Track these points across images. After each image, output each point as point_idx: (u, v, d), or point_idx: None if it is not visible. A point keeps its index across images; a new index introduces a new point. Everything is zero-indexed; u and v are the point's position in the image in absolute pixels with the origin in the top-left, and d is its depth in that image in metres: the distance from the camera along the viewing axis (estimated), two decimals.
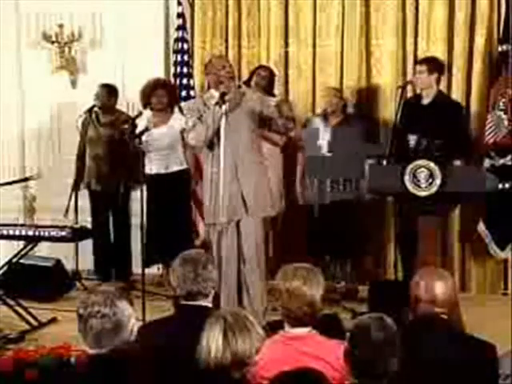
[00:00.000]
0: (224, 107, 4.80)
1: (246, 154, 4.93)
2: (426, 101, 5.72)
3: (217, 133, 4.86)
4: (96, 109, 6.40)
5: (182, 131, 5.89)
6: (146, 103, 6.08)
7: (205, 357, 2.52)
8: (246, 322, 2.56)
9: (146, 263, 5.82)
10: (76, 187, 6.40)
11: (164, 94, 6.06)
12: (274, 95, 6.17)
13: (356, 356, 2.60)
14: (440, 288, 3.13)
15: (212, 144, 4.91)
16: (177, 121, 6.04)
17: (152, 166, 6.10)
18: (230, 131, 4.84)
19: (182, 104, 5.78)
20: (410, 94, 6.10)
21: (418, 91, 5.80)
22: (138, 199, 5.71)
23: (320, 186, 5.93)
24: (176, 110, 6.21)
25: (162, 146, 6.05)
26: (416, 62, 5.93)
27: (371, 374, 2.58)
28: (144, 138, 5.74)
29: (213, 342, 2.52)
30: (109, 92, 6.38)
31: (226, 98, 4.80)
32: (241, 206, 4.89)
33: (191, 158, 6.14)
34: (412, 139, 5.41)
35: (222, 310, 2.68)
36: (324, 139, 5.99)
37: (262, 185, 4.99)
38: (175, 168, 6.11)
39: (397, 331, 2.62)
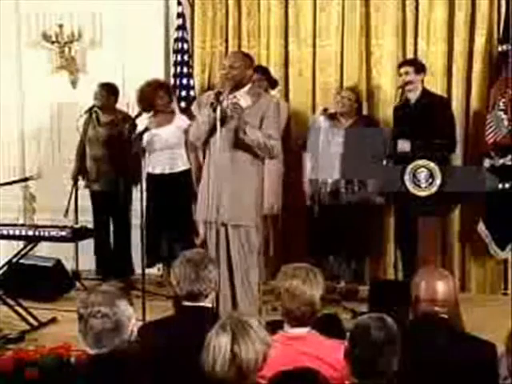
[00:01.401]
0: (219, 108, 4.74)
1: (239, 158, 4.83)
2: (412, 101, 5.77)
3: (213, 133, 4.84)
4: (96, 109, 6.40)
5: (187, 131, 5.94)
6: (148, 105, 6.05)
7: (209, 370, 2.49)
8: (251, 332, 2.51)
9: (147, 264, 5.83)
10: (75, 186, 6.39)
11: (164, 95, 6.08)
12: (275, 84, 6.17)
13: (356, 355, 2.60)
14: (441, 288, 3.13)
15: (209, 144, 4.90)
16: (181, 120, 6.07)
17: (155, 166, 6.11)
18: (228, 134, 4.80)
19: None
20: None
21: (407, 92, 5.80)
22: (138, 199, 5.72)
23: (334, 186, 5.91)
24: (176, 110, 6.23)
25: (166, 145, 6.06)
26: (400, 64, 5.93)
27: (371, 373, 2.58)
28: (146, 137, 5.75)
29: (219, 356, 2.47)
30: (107, 91, 6.37)
31: (221, 98, 4.78)
32: (217, 210, 4.84)
33: (194, 158, 6.15)
34: (405, 145, 5.40)
35: (229, 318, 2.58)
36: (333, 139, 5.96)
37: (243, 195, 4.83)
38: (178, 168, 6.12)
39: (397, 331, 2.62)
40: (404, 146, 5.49)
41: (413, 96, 5.77)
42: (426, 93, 5.82)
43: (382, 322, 2.63)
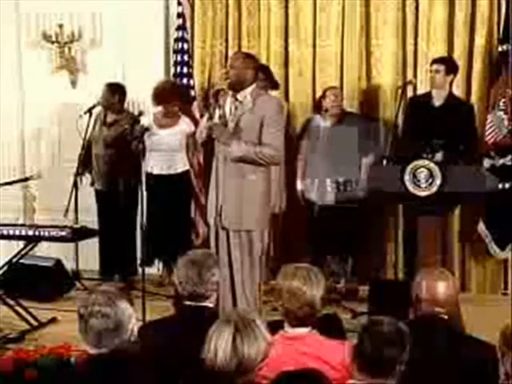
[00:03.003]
0: (218, 112, 4.73)
1: (236, 162, 4.77)
2: (437, 102, 5.70)
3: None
4: (97, 108, 6.39)
5: (189, 134, 5.99)
6: (159, 104, 6.09)
7: (210, 361, 2.50)
8: (254, 328, 2.53)
9: (146, 263, 5.84)
10: (76, 186, 6.38)
11: (178, 101, 6.11)
12: (277, 85, 6.14)
13: (365, 350, 2.59)
14: (441, 288, 3.13)
15: (215, 146, 4.88)
16: (185, 124, 6.09)
17: (154, 166, 6.12)
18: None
19: None
20: (409, 94, 6.12)
21: (421, 90, 5.78)
22: (138, 199, 5.72)
23: (320, 185, 5.92)
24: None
25: (165, 147, 6.07)
26: (434, 60, 5.80)
27: (379, 370, 2.58)
28: (147, 137, 5.76)
29: (220, 348, 2.49)
30: (112, 91, 6.36)
31: (219, 98, 4.77)
32: (218, 214, 4.81)
33: (194, 159, 6.15)
34: (438, 156, 5.31)
35: (232, 313, 2.62)
36: (323, 138, 5.98)
37: (245, 199, 4.77)
38: (177, 169, 6.12)
39: (408, 334, 2.63)
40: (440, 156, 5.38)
41: (438, 97, 5.69)
42: (452, 97, 5.73)
43: (393, 322, 2.64)
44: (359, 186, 5.82)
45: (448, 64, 5.71)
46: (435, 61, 5.77)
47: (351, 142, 5.83)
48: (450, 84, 5.77)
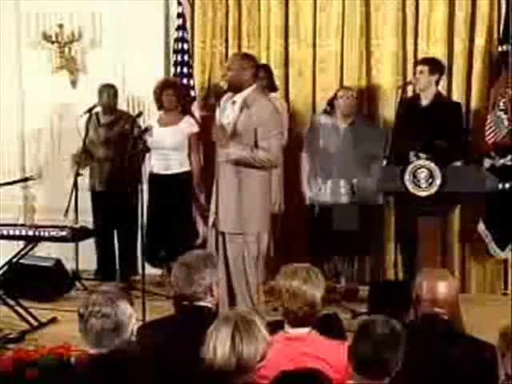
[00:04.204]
0: (218, 114, 4.73)
1: (241, 166, 4.78)
2: (424, 102, 5.73)
3: None
4: (97, 109, 6.39)
5: (191, 135, 6.01)
6: (160, 107, 6.15)
7: (209, 360, 2.50)
8: (253, 328, 2.53)
9: (153, 265, 5.85)
10: (75, 186, 6.37)
11: (173, 94, 6.10)
12: (276, 89, 6.14)
13: (359, 351, 2.59)
14: (442, 288, 3.13)
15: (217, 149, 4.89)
16: (186, 124, 6.08)
17: (154, 165, 6.12)
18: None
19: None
20: (410, 94, 6.12)
21: (418, 91, 5.81)
22: (138, 199, 5.73)
23: (334, 186, 5.90)
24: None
25: (166, 145, 6.07)
26: (417, 62, 5.91)
27: (374, 370, 2.58)
28: (148, 136, 5.76)
29: (219, 346, 2.49)
30: (113, 92, 6.37)
31: (221, 100, 4.77)
32: (216, 215, 4.83)
33: (197, 160, 6.15)
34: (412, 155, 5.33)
35: (230, 313, 2.63)
36: (338, 138, 5.94)
37: (243, 204, 4.78)
38: (176, 170, 6.12)
39: (403, 333, 2.63)
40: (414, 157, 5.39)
41: (424, 98, 5.72)
42: (438, 97, 5.75)
43: (388, 323, 2.64)
44: (370, 188, 5.72)
45: (431, 64, 5.74)
46: (419, 62, 5.84)
47: (367, 144, 5.80)
48: (437, 84, 5.77)
